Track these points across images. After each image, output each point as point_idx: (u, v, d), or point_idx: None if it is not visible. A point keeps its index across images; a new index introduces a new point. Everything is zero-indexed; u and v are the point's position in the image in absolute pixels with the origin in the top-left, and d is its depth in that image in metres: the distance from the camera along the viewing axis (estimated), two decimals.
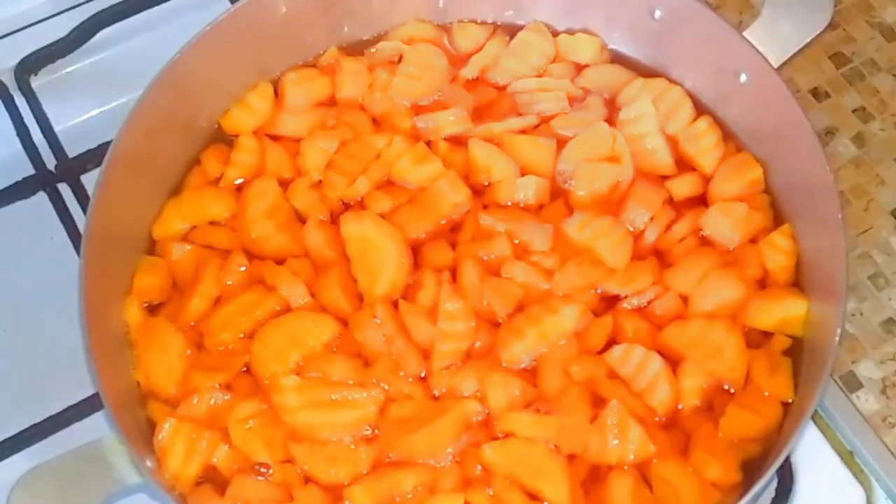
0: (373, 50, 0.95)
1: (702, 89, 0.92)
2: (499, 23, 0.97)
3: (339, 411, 0.78)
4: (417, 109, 0.91)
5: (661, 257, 0.86)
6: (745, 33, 0.87)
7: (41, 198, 0.95)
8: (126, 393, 0.81)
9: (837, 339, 0.76)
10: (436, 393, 0.79)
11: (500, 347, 0.80)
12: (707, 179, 0.89)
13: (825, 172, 0.81)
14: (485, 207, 0.87)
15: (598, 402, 0.78)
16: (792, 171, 0.86)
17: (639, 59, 0.95)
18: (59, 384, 0.87)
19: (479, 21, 0.97)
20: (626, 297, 0.83)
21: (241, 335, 0.82)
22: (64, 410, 0.85)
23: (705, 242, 0.86)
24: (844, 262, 0.78)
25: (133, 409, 0.80)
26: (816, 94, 1.03)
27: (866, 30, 1.07)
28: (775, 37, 0.88)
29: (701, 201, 0.88)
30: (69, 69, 1.02)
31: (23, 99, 0.99)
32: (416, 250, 0.85)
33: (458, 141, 0.90)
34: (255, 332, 0.81)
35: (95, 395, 0.79)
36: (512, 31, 0.96)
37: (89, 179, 0.94)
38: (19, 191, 0.95)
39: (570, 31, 0.96)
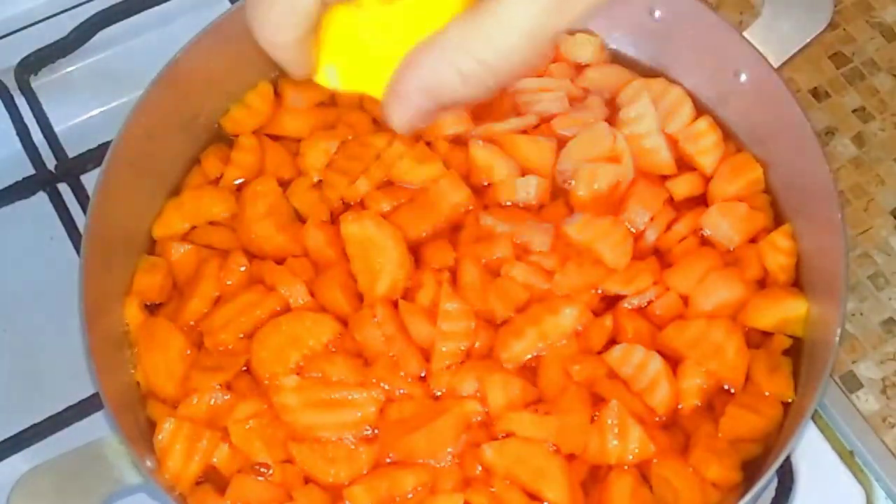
0: None
1: (702, 89, 0.92)
2: None
3: (339, 411, 0.78)
4: None
5: (661, 257, 0.86)
6: (745, 33, 0.87)
7: (41, 198, 0.95)
8: (126, 393, 0.81)
9: (837, 339, 0.76)
10: (436, 393, 0.79)
11: (500, 347, 0.80)
12: (707, 179, 0.89)
13: (825, 172, 0.81)
14: (485, 207, 0.87)
15: (598, 402, 0.78)
16: (792, 171, 0.86)
17: (639, 59, 0.95)
18: (59, 384, 0.87)
19: None
20: (626, 297, 0.83)
21: (241, 335, 0.82)
22: (64, 410, 0.85)
23: (705, 242, 0.86)
24: (844, 262, 0.78)
25: (133, 409, 0.80)
26: (816, 94, 1.03)
27: (866, 30, 1.07)
28: (775, 37, 0.88)
29: (701, 201, 0.88)
30: (69, 69, 1.02)
31: (23, 99, 0.99)
32: (416, 250, 0.85)
33: (459, 141, 0.90)
34: (255, 332, 0.81)
35: (95, 395, 0.78)
36: None
37: (89, 179, 0.93)
38: (19, 191, 0.95)
39: (570, 32, 0.96)
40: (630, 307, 0.83)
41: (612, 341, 0.81)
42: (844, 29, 1.07)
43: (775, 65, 0.86)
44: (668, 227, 0.86)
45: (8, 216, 0.95)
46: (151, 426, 0.79)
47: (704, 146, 0.89)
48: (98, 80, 1.01)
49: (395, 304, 0.82)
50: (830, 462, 0.84)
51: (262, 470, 0.78)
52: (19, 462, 0.83)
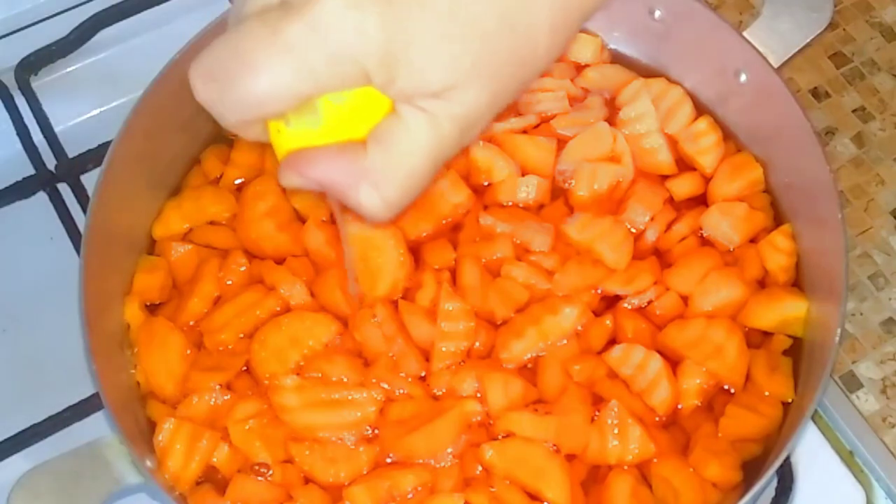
0: None
1: (702, 89, 0.92)
2: None
3: (339, 411, 0.78)
4: None
5: (661, 257, 0.86)
6: (745, 33, 0.87)
7: (41, 198, 0.95)
8: (126, 393, 0.81)
9: (837, 339, 0.76)
10: (436, 393, 0.79)
11: (500, 347, 0.80)
12: (707, 179, 0.89)
13: (825, 172, 0.81)
14: (485, 207, 0.87)
15: (598, 402, 0.79)
16: (792, 171, 0.86)
17: (639, 59, 0.95)
18: (59, 384, 0.87)
19: None
20: (626, 297, 0.83)
21: (241, 335, 0.82)
22: (64, 410, 0.85)
23: (705, 242, 0.86)
24: (844, 262, 0.78)
25: (133, 409, 0.80)
26: (816, 94, 1.03)
27: (866, 30, 1.07)
28: (775, 37, 0.88)
29: (701, 201, 0.88)
30: (69, 69, 1.01)
31: (23, 99, 0.99)
32: (416, 250, 0.85)
33: None
34: (255, 332, 0.81)
35: (95, 395, 0.78)
36: None
37: (89, 179, 0.93)
38: (19, 191, 0.95)
39: None
40: (630, 307, 0.83)
41: (612, 341, 0.81)
42: (844, 29, 1.07)
43: (775, 65, 0.86)
44: (668, 227, 0.86)
45: (8, 216, 0.95)
46: (151, 426, 0.79)
47: (704, 146, 0.89)
48: (98, 80, 1.01)
49: (395, 304, 0.82)
50: (830, 462, 0.84)
51: (262, 470, 0.78)
52: (19, 462, 0.83)
